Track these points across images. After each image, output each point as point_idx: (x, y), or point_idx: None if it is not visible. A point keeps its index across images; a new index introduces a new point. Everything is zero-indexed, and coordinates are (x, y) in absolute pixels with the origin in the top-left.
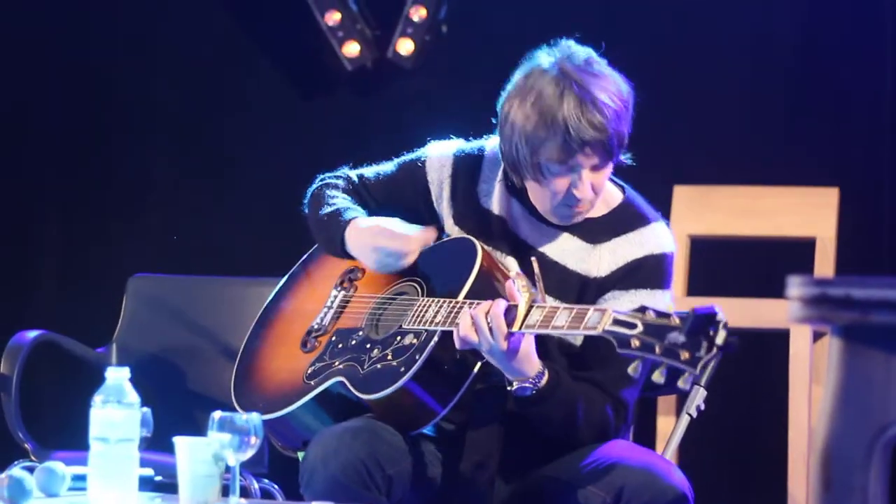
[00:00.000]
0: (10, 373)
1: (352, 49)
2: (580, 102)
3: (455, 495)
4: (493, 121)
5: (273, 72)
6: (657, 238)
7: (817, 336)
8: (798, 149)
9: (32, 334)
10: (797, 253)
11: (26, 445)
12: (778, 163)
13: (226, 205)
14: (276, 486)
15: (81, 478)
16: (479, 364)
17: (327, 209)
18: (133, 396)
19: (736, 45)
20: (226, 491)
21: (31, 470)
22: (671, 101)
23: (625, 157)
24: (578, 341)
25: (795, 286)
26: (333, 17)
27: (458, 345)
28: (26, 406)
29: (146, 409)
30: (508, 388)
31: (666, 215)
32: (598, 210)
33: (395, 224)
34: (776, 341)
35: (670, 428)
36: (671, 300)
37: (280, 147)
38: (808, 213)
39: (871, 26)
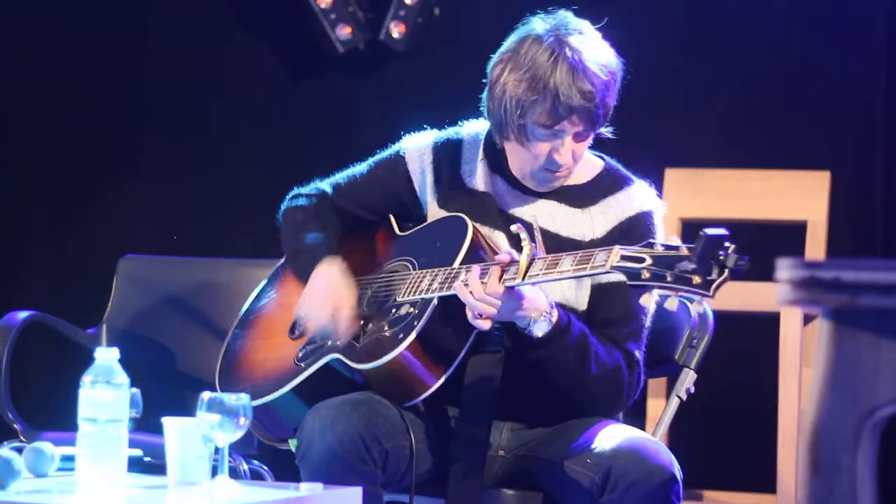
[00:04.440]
0: (0, 354)
1: (344, 31)
2: (572, 69)
3: (448, 471)
4: (483, 81)
5: (265, 54)
6: (644, 196)
7: (808, 319)
8: (790, 132)
9: (22, 315)
10: (788, 236)
11: (15, 426)
12: (769, 146)
13: (217, 186)
14: (265, 468)
15: (70, 458)
16: (475, 331)
17: (301, 238)
18: (122, 377)
19: (728, 28)
20: (215, 472)
21: (19, 450)
22: (663, 85)
23: (606, 131)
24: (582, 305)
25: (785, 268)
26: (325, 0)
27: (471, 319)
28: (16, 387)
29: (135, 390)
30: (523, 331)
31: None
32: (581, 178)
33: (341, 301)
34: (767, 324)
35: (660, 410)
36: None
37: (272, 129)
38: (799, 196)
39: (864, 10)
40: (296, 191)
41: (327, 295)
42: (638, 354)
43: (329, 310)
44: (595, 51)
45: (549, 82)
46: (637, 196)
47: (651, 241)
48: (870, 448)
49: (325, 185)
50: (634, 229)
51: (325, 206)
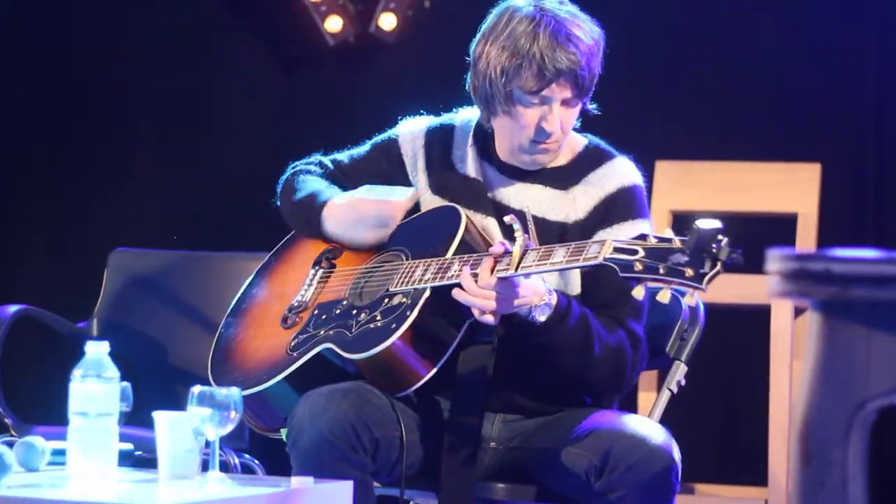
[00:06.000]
0: None
1: (334, 24)
2: (554, 34)
3: (439, 463)
4: (467, 59)
5: (255, 47)
6: (624, 171)
7: (798, 312)
8: (780, 124)
9: (13, 309)
10: (779, 229)
11: (6, 420)
12: (760, 138)
13: (208, 179)
14: (256, 462)
15: (61, 452)
16: (468, 322)
17: (301, 194)
18: (113, 371)
19: (719, 20)
20: (205, 466)
21: (10, 444)
22: (653, 77)
23: (592, 107)
24: (575, 289)
25: (774, 260)
26: None
27: (477, 316)
28: (6, 381)
29: (126, 384)
30: (525, 318)
31: (648, 191)
32: (565, 157)
33: (373, 191)
34: (757, 317)
35: (651, 403)
36: (651, 229)
37: (262, 122)
38: (790, 188)
39: (855, 3)
40: (294, 162)
41: (347, 207)
42: (638, 331)
43: (355, 214)
44: (576, 18)
45: (531, 47)
46: (617, 171)
47: (644, 233)
48: (861, 442)
49: (326, 159)
50: (615, 206)
51: (323, 173)
